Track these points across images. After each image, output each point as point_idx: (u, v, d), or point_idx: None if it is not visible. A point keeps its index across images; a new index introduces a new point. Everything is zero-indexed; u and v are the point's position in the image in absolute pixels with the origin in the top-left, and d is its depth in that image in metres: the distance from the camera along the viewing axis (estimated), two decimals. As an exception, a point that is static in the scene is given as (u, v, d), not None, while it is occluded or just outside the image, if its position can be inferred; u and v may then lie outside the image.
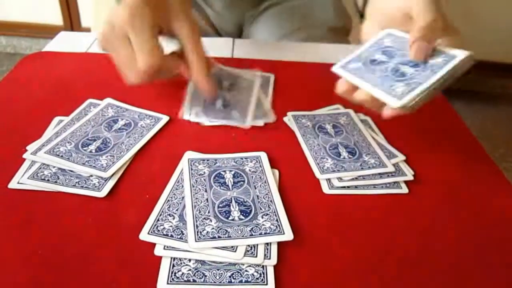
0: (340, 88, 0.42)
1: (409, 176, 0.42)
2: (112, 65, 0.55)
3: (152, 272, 0.31)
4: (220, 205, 0.36)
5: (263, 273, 0.31)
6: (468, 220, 0.38)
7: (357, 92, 0.41)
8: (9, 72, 0.54)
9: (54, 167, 0.39)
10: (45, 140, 0.42)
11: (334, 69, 0.43)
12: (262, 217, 0.35)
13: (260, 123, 0.48)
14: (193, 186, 0.38)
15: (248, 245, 0.33)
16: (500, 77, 1.96)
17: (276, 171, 0.41)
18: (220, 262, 0.32)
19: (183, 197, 0.37)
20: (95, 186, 0.38)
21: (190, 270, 0.31)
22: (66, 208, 0.36)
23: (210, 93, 0.47)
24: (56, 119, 0.46)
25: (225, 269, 0.32)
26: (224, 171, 0.40)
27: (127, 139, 0.43)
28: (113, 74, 0.55)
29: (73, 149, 0.41)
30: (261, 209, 0.36)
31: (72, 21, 1.92)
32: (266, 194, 0.38)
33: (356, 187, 0.40)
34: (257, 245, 0.33)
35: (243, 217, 0.35)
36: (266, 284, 0.31)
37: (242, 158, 0.42)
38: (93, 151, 0.41)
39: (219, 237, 0.33)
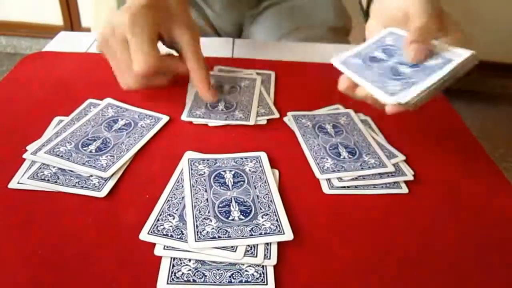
0: (342, 84, 0.42)
1: (409, 176, 0.42)
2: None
3: (152, 272, 0.31)
4: (220, 205, 0.36)
5: (263, 273, 0.31)
6: (468, 220, 0.38)
7: (358, 88, 0.41)
8: (9, 72, 0.54)
9: (54, 167, 0.39)
10: (45, 140, 0.42)
11: (333, 61, 0.43)
12: (262, 217, 0.35)
13: (263, 120, 0.48)
14: (193, 186, 0.38)
15: (248, 245, 0.33)
16: (500, 77, 1.96)
17: (276, 171, 0.41)
18: (220, 262, 0.32)
19: (183, 197, 0.37)
20: (95, 186, 0.38)
21: (190, 270, 0.31)
22: (66, 208, 0.36)
23: (211, 100, 0.47)
24: (56, 119, 0.46)
25: (225, 269, 0.32)
26: (224, 171, 0.40)
27: (127, 139, 0.43)
28: (113, 74, 0.55)
29: (73, 149, 0.41)
30: (261, 209, 0.36)
31: (72, 21, 1.92)
32: (266, 194, 0.38)
33: (356, 187, 0.40)
34: (257, 245, 0.33)
35: (243, 217, 0.35)
36: (266, 284, 0.31)
37: (242, 158, 0.42)
38: (93, 151, 0.41)
39: (219, 237, 0.33)
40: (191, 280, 0.31)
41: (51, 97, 0.50)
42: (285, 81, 0.56)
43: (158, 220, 0.35)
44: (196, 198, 0.37)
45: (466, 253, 0.35)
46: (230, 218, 0.35)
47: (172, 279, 0.31)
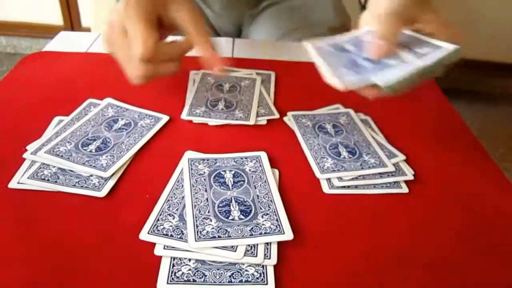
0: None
1: (409, 176, 0.42)
2: (112, 65, 0.54)
3: (152, 271, 0.31)
4: (220, 205, 0.36)
5: (263, 273, 0.31)
6: (468, 219, 0.38)
7: None
8: (9, 72, 0.54)
9: (54, 167, 0.39)
10: (45, 140, 0.42)
11: (307, 44, 0.44)
12: (262, 217, 0.35)
13: (263, 120, 0.48)
14: (193, 186, 0.38)
15: (248, 245, 0.33)
16: (501, 77, 1.96)
17: (276, 171, 0.41)
18: (220, 262, 0.32)
19: (183, 197, 0.37)
20: (95, 186, 0.38)
21: (190, 269, 0.31)
22: (66, 208, 0.36)
23: (220, 69, 0.44)
24: (56, 119, 0.46)
25: (225, 269, 0.32)
26: (224, 171, 0.40)
27: (127, 139, 0.43)
28: (113, 74, 0.55)
29: (73, 149, 0.41)
30: (261, 208, 0.36)
31: (72, 21, 1.92)
32: (266, 193, 0.38)
33: (356, 186, 0.40)
34: (257, 244, 0.33)
35: (243, 217, 0.35)
36: (266, 283, 0.31)
37: (242, 158, 0.42)
38: (93, 151, 0.41)
39: (219, 236, 0.33)
40: (191, 280, 0.31)
41: (51, 97, 0.50)
42: (285, 81, 0.56)
43: (158, 219, 0.35)
44: (196, 198, 0.37)
45: (466, 253, 0.35)
46: (230, 217, 0.35)
47: (172, 278, 0.31)
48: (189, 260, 0.32)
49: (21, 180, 0.38)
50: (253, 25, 0.77)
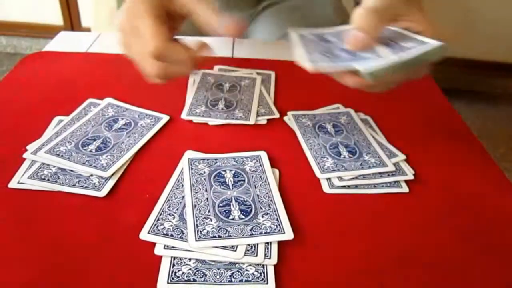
0: None
1: (410, 176, 0.42)
2: (112, 65, 0.55)
3: (152, 271, 0.31)
4: (220, 205, 0.36)
5: (264, 273, 0.31)
6: (468, 219, 0.38)
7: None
8: (9, 72, 0.54)
9: (54, 166, 0.39)
10: (45, 139, 0.42)
11: (292, 32, 0.45)
12: (263, 217, 0.35)
13: (263, 120, 0.48)
14: (193, 186, 0.38)
15: (248, 245, 0.33)
16: (501, 77, 1.96)
17: (276, 171, 0.41)
18: (220, 262, 0.32)
19: (183, 197, 0.37)
20: (95, 186, 0.37)
21: (190, 269, 0.31)
22: (66, 208, 0.36)
23: (241, 31, 0.42)
24: (56, 118, 0.46)
25: (225, 269, 0.32)
26: (224, 171, 0.40)
27: (127, 139, 0.43)
28: (113, 74, 0.55)
29: (73, 148, 0.41)
30: (261, 208, 0.36)
31: (72, 21, 1.92)
32: (266, 193, 0.38)
33: (356, 186, 0.40)
34: (257, 244, 0.33)
35: (243, 217, 0.35)
36: (267, 283, 0.31)
37: (242, 158, 0.42)
38: (93, 150, 0.41)
39: (219, 236, 0.33)
40: (191, 280, 0.31)
41: (51, 97, 0.50)
42: (285, 81, 0.56)
43: (158, 219, 0.35)
44: (196, 198, 0.37)
45: (466, 253, 0.35)
46: (230, 217, 0.35)
47: (173, 278, 0.31)
48: (189, 259, 0.32)
49: (21, 180, 0.38)
50: (253, 25, 0.77)
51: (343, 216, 0.37)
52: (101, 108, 0.47)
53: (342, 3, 0.81)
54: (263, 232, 0.34)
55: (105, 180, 0.38)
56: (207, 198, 0.37)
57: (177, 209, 0.36)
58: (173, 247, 0.32)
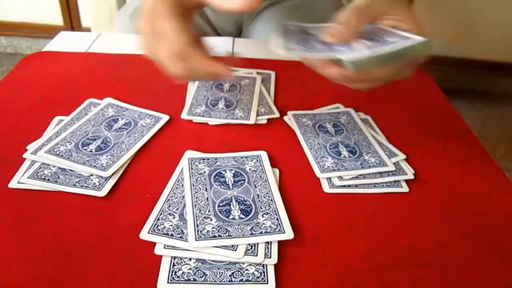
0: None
1: (410, 175, 0.42)
2: (112, 65, 0.55)
3: (152, 271, 0.31)
4: (221, 204, 0.36)
5: (264, 272, 0.31)
6: (468, 219, 0.38)
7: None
8: (9, 72, 0.54)
9: (54, 166, 0.39)
10: (45, 139, 0.42)
11: (278, 24, 0.44)
12: (263, 216, 0.35)
13: (263, 120, 0.48)
14: (193, 185, 0.38)
15: (249, 244, 0.33)
16: (501, 77, 1.96)
17: (277, 170, 0.41)
18: (221, 261, 0.32)
19: (183, 196, 0.37)
20: (95, 186, 0.37)
21: (190, 269, 0.31)
22: (66, 208, 0.36)
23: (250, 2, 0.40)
24: (56, 118, 0.46)
25: (225, 268, 0.32)
26: (225, 170, 0.40)
27: (127, 139, 0.43)
28: (113, 74, 0.55)
29: (73, 148, 0.41)
30: (261, 208, 0.36)
31: (72, 21, 1.92)
32: (267, 193, 0.38)
33: (356, 186, 0.40)
34: (258, 244, 0.33)
35: (243, 216, 0.35)
36: (267, 283, 0.31)
37: (242, 157, 0.42)
38: (93, 150, 0.41)
39: (219, 236, 0.33)
40: (192, 279, 0.31)
41: (51, 97, 0.50)
42: (285, 81, 0.56)
43: (158, 219, 0.35)
44: (197, 197, 0.37)
45: (466, 252, 0.35)
46: (231, 217, 0.35)
47: (173, 278, 0.30)
48: (190, 259, 0.32)
49: (21, 180, 0.38)
50: (253, 24, 0.77)
51: (343, 216, 0.37)
52: (101, 108, 0.47)
53: (342, 3, 0.81)
54: (263, 232, 0.34)
55: (105, 180, 0.38)
56: (207, 198, 0.37)
57: (177, 209, 0.36)
58: (173, 246, 0.32)
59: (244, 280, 0.31)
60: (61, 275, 0.31)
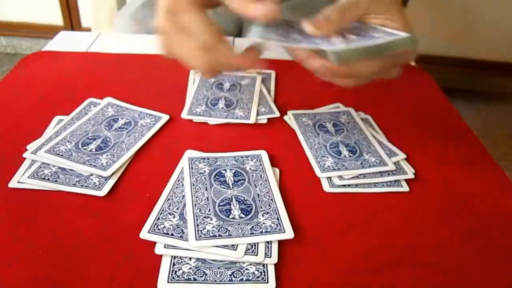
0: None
1: (410, 175, 0.42)
2: (112, 65, 0.55)
3: (152, 271, 0.31)
4: (221, 204, 0.36)
5: (264, 272, 0.31)
6: (469, 218, 0.38)
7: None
8: (9, 72, 0.54)
9: (54, 166, 0.39)
10: (45, 139, 0.42)
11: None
12: (263, 216, 0.35)
13: (264, 119, 0.48)
14: (194, 185, 0.38)
15: (249, 244, 0.33)
16: (501, 77, 1.97)
17: (277, 170, 0.41)
18: (221, 261, 0.32)
19: (183, 196, 0.37)
20: (95, 185, 0.37)
21: (190, 268, 0.31)
22: (66, 207, 0.36)
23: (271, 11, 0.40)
24: (56, 118, 0.46)
25: (225, 268, 0.32)
26: (225, 170, 0.40)
27: (127, 138, 0.43)
28: (113, 74, 0.55)
29: (73, 148, 0.41)
30: (261, 207, 0.36)
31: (72, 21, 1.92)
32: (267, 192, 0.38)
33: (356, 185, 0.40)
34: (258, 243, 0.33)
35: (243, 216, 0.35)
36: (267, 282, 0.31)
37: (242, 157, 0.42)
38: (93, 150, 0.41)
39: (219, 235, 0.33)
40: (192, 279, 0.30)
41: (51, 96, 0.50)
42: (285, 80, 0.56)
43: (158, 218, 0.35)
44: (197, 197, 0.37)
45: (466, 252, 0.35)
46: (231, 216, 0.35)
47: (173, 277, 0.30)
48: (190, 259, 0.32)
49: (21, 180, 0.38)
50: (253, 24, 0.77)
51: (344, 215, 0.37)
52: (101, 107, 0.47)
53: (342, 2, 0.81)
54: (264, 231, 0.34)
55: (105, 179, 0.38)
56: (207, 197, 0.37)
57: (177, 208, 0.36)
58: (173, 246, 0.32)
59: (244, 279, 0.31)
60: (61, 275, 0.31)
